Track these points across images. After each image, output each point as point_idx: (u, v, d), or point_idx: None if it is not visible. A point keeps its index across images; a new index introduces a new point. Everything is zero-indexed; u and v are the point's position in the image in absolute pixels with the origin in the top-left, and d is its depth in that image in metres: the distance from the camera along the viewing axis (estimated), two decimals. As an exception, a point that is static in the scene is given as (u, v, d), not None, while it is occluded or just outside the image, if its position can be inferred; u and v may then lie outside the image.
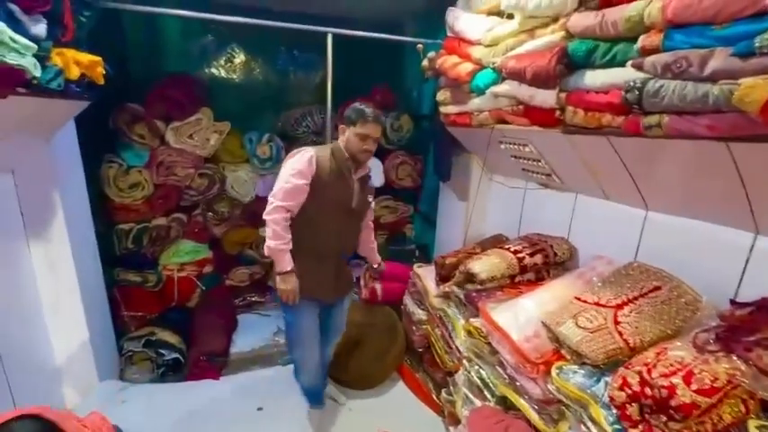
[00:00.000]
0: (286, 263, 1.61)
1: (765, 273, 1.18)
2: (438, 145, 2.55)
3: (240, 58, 3.14)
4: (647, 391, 1.04)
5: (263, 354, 2.63)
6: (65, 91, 1.37)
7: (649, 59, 1.06)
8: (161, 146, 2.57)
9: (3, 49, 0.95)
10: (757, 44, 0.82)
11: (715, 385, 0.97)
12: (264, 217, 1.61)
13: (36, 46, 1.10)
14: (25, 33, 1.11)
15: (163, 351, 2.34)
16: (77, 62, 1.40)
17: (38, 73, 1.11)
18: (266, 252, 1.63)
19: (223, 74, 3.14)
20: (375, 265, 2.09)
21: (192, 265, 2.84)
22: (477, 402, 1.73)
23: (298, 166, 1.59)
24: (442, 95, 2.21)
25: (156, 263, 2.76)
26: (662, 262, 1.44)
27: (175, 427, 1.95)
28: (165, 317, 2.66)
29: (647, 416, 1.06)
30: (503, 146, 1.95)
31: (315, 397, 2.03)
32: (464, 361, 1.84)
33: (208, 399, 2.17)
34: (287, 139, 2.96)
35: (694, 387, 0.97)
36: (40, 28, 1.21)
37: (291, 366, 2.12)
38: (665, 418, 1.01)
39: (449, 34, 2.10)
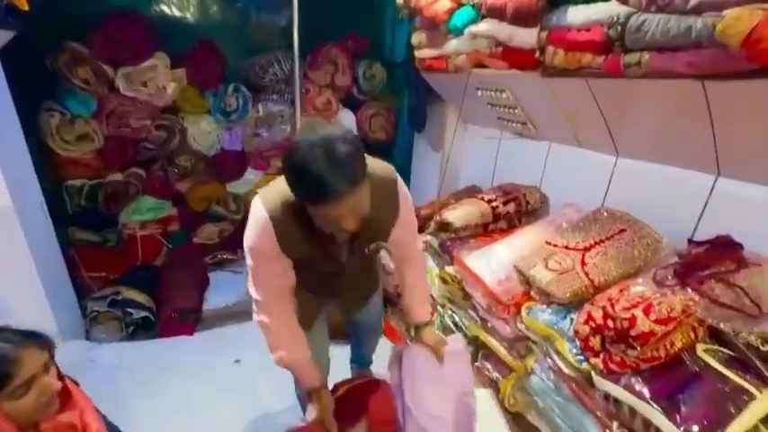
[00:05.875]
0: (306, 376, 1.12)
1: (722, 212, 1.24)
2: (413, 93, 2.46)
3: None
4: (610, 323, 1.10)
5: (238, 310, 2.60)
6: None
7: (634, -9, 1.01)
8: (110, 93, 2.32)
9: None
10: (745, -29, 0.80)
11: (671, 315, 1.04)
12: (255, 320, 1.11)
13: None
14: None
15: (130, 310, 2.26)
16: (-8, -20, 1.19)
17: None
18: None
19: (176, 12, 2.81)
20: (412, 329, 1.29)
21: (155, 223, 2.71)
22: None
23: (253, 244, 0.99)
24: (417, 38, 2.08)
25: (116, 221, 2.61)
26: (628, 206, 1.50)
27: (151, 382, 1.94)
28: (131, 276, 2.56)
29: (607, 346, 1.13)
30: (479, 92, 1.90)
31: None
32: (438, 307, 1.90)
33: (183, 354, 2.15)
34: (252, 88, 2.76)
35: (653, 317, 1.04)
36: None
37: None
38: (624, 347, 1.09)
39: (425, -31, 1.94)
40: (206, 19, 2.74)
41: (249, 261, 1.02)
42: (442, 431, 1.13)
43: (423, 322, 1.24)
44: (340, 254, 1.08)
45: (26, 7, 1.32)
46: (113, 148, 2.44)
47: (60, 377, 0.87)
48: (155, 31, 2.42)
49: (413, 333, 1.29)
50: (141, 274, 2.59)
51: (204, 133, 2.67)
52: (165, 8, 2.69)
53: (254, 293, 1.07)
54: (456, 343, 1.25)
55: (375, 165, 1.00)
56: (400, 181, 1.09)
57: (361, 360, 1.78)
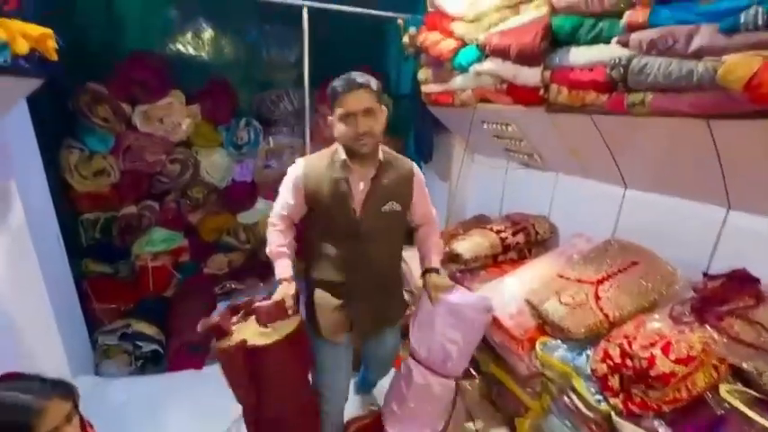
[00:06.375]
0: (281, 269, 1.36)
1: (736, 246, 1.23)
2: (419, 125, 2.51)
3: (208, 33, 2.93)
4: (628, 362, 1.08)
5: (247, 341, 2.58)
6: (12, 67, 1.24)
7: (635, 36, 1.05)
8: (127, 130, 2.41)
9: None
10: (742, 20, 0.83)
11: (691, 354, 1.02)
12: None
13: (-26, 16, 0.98)
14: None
15: (140, 343, 2.26)
16: (25, 35, 1.27)
17: (-21, 47, 1.00)
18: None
19: (190, 52, 2.94)
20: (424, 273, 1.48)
21: (166, 254, 2.72)
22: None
23: (287, 174, 1.38)
24: (423, 74, 2.16)
25: (129, 253, 2.64)
26: (639, 237, 1.49)
27: (159, 417, 1.91)
28: (141, 308, 2.57)
29: (626, 385, 1.10)
30: (485, 125, 1.94)
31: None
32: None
33: (192, 389, 2.12)
34: (263, 122, 2.84)
35: (673, 357, 1.01)
36: (-22, -5, 1.08)
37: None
38: (644, 387, 1.06)
39: (429, 9, 2.03)
40: (219, 57, 2.86)
41: (281, 188, 1.40)
42: (420, 351, 1.46)
43: (430, 268, 1.47)
44: (356, 205, 1.30)
45: (55, 57, 1.39)
46: (129, 182, 2.50)
47: (83, 425, 0.87)
48: (171, 70, 2.53)
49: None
50: (151, 305, 2.60)
51: (217, 166, 2.73)
52: (180, 48, 2.83)
53: (275, 205, 1.42)
54: (477, 300, 1.45)
55: (398, 155, 1.40)
56: (417, 168, 1.41)
57: (365, 383, 1.88)
